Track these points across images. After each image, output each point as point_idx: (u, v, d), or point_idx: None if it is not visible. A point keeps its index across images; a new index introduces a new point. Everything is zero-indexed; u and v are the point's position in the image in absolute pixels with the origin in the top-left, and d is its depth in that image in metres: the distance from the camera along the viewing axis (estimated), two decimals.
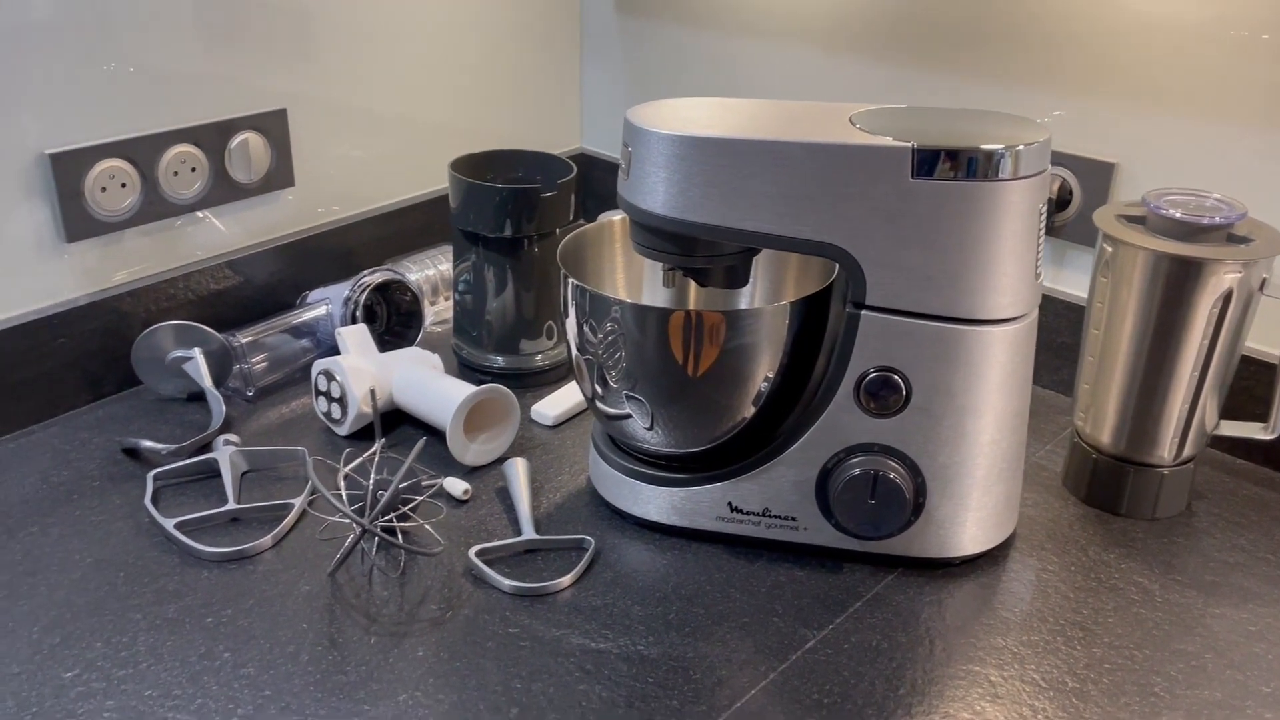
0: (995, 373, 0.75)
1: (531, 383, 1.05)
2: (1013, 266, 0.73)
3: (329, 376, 0.94)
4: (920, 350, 0.75)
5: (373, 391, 0.93)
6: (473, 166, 1.05)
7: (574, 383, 1.04)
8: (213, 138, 1.03)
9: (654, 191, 0.75)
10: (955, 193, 0.71)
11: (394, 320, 1.11)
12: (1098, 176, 0.99)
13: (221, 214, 1.08)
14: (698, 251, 0.77)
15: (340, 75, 1.14)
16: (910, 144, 0.70)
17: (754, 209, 0.73)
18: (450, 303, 1.19)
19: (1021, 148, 0.70)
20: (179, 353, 0.98)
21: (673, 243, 0.77)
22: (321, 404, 0.96)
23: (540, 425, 0.99)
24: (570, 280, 0.80)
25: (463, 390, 0.91)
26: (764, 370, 0.77)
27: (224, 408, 0.96)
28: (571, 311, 0.81)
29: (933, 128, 0.73)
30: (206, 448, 0.93)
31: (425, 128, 1.24)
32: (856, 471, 0.76)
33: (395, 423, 0.98)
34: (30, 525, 0.83)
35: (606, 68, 1.39)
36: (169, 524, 0.82)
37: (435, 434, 0.96)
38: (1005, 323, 0.74)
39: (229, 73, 1.04)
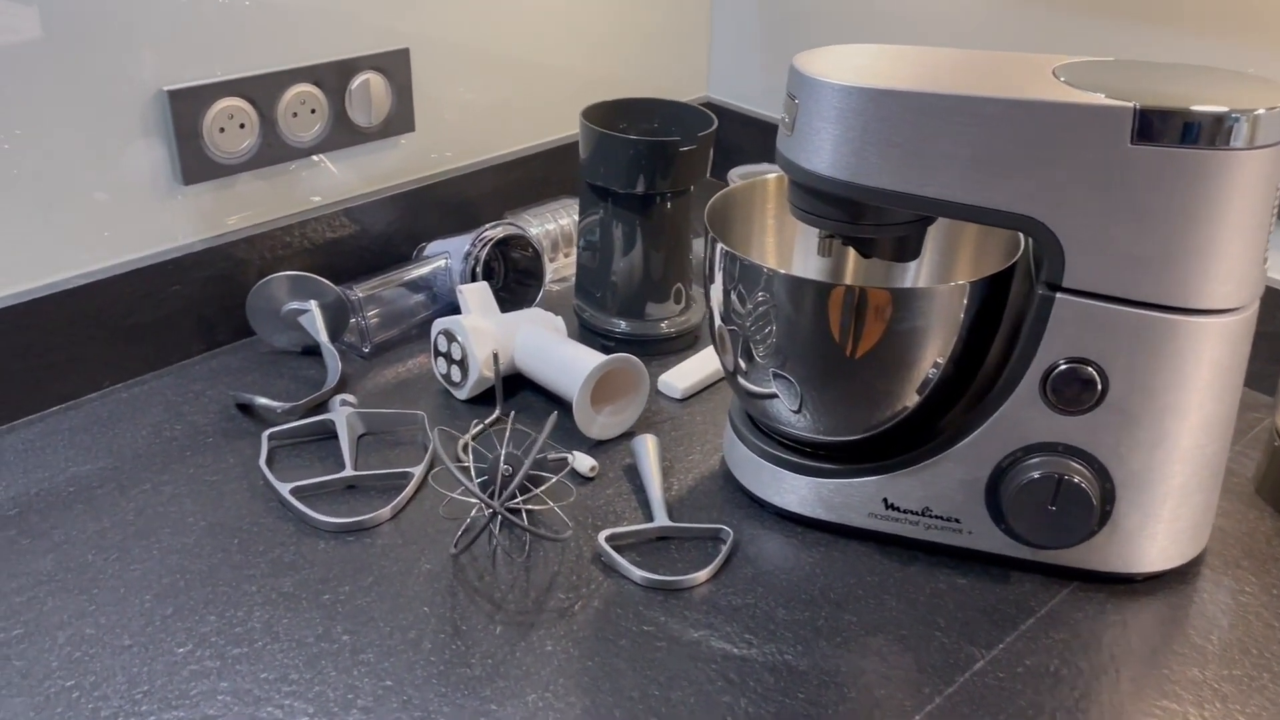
0: (1206, 370, 0.66)
1: (656, 350, 0.98)
2: (1238, 250, 0.63)
3: (450, 337, 0.89)
4: (1121, 341, 0.65)
5: (495, 356, 0.88)
6: (604, 116, 0.98)
7: (702, 353, 0.97)
8: (334, 77, 0.98)
9: (822, 150, 0.66)
10: (1180, 162, 0.61)
11: (512, 277, 1.05)
12: None
13: (339, 159, 1.03)
14: (866, 219, 0.69)
15: (464, 13, 1.07)
16: (1132, 104, 0.60)
17: (940, 173, 0.65)
18: (571, 260, 1.12)
19: (1261, 112, 0.60)
20: (294, 305, 0.94)
21: (839, 208, 0.69)
22: (441, 365, 0.91)
23: (668, 398, 0.92)
24: (719, 245, 0.73)
25: (591, 359, 0.85)
26: (933, 355, 0.69)
27: (339, 364, 0.91)
28: (718, 278, 0.74)
29: (1152, 86, 0.63)
30: (322, 407, 0.89)
31: (547, 72, 1.17)
32: (1037, 475, 0.68)
33: (516, 387, 0.92)
34: (143, 482, 0.80)
35: (737, 12, 1.30)
36: (285, 489, 0.78)
37: (557, 401, 0.90)
38: (1223, 314, 0.65)
39: (351, 8, 0.98)
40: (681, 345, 1.00)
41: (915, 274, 0.85)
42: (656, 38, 1.27)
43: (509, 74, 1.13)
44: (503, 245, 1.02)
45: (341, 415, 0.84)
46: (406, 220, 1.08)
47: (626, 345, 0.98)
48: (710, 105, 1.35)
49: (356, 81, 0.99)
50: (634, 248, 0.94)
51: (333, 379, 0.90)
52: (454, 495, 0.76)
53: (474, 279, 0.99)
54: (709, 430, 0.88)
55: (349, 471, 0.80)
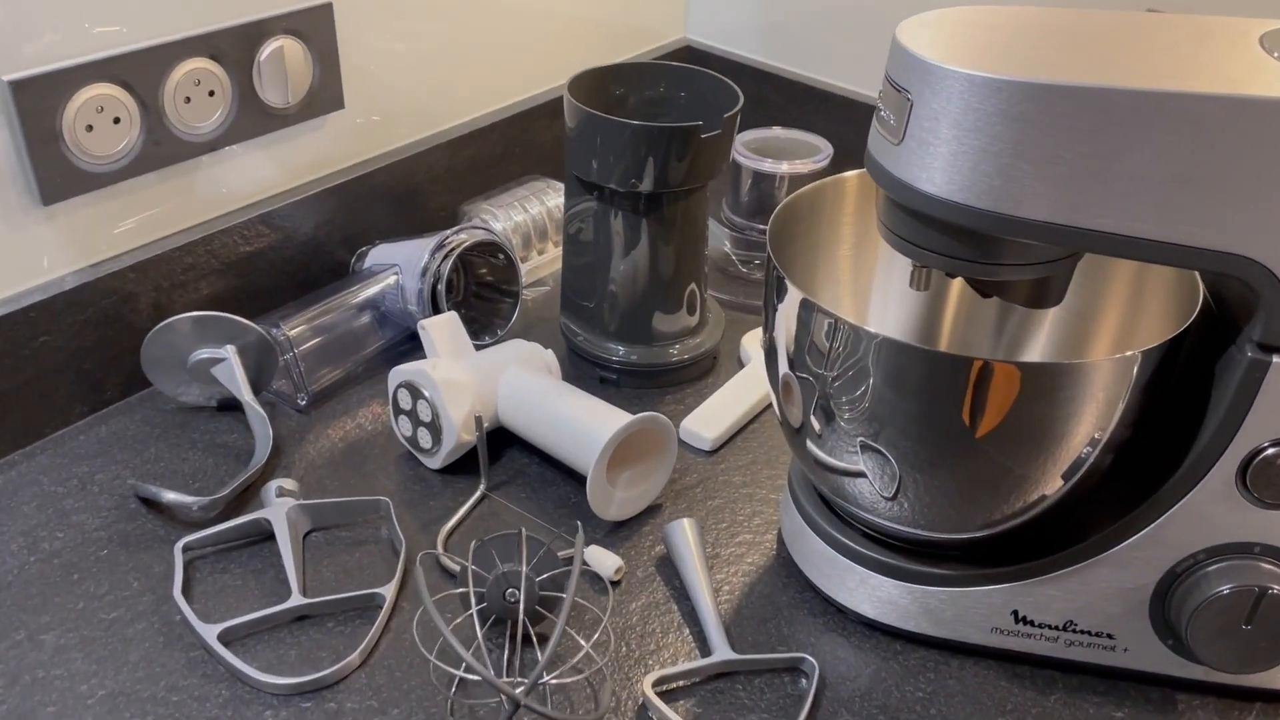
0: None
1: (669, 381, 0.80)
2: None
3: (414, 392, 0.69)
4: None
5: (479, 420, 0.68)
6: (594, 87, 0.77)
7: (728, 385, 0.78)
8: (235, 47, 0.75)
9: (951, 168, 0.47)
10: None
11: (476, 290, 0.85)
12: None
13: (250, 151, 0.80)
14: (1002, 257, 0.51)
15: None
16: None
17: (1124, 200, 0.46)
18: (547, 257, 0.92)
19: None
20: (204, 353, 0.73)
21: (962, 242, 0.51)
22: (404, 426, 0.71)
23: (694, 449, 0.74)
24: (788, 286, 0.54)
25: (603, 423, 0.65)
26: (1086, 435, 0.52)
27: (269, 429, 0.71)
28: (786, 323, 0.56)
29: None
30: (252, 493, 0.68)
31: (504, 19, 0.95)
32: (1227, 589, 0.52)
33: (501, 444, 0.73)
34: (14, 630, 0.60)
35: None
36: (211, 633, 0.58)
37: (558, 465, 0.71)
38: None
39: None
40: (697, 372, 0.81)
41: (1044, 315, 0.67)
42: None
43: (457, 26, 0.91)
44: (466, 251, 0.81)
45: (280, 512, 0.64)
46: (342, 220, 0.86)
47: (630, 376, 0.79)
48: (690, 50, 1.14)
49: (266, 50, 0.76)
50: (636, 249, 0.74)
51: (262, 453, 0.70)
52: (458, 674, 0.57)
53: (434, 302, 0.78)
54: (754, 494, 0.70)
55: (296, 599, 0.60)
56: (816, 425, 0.57)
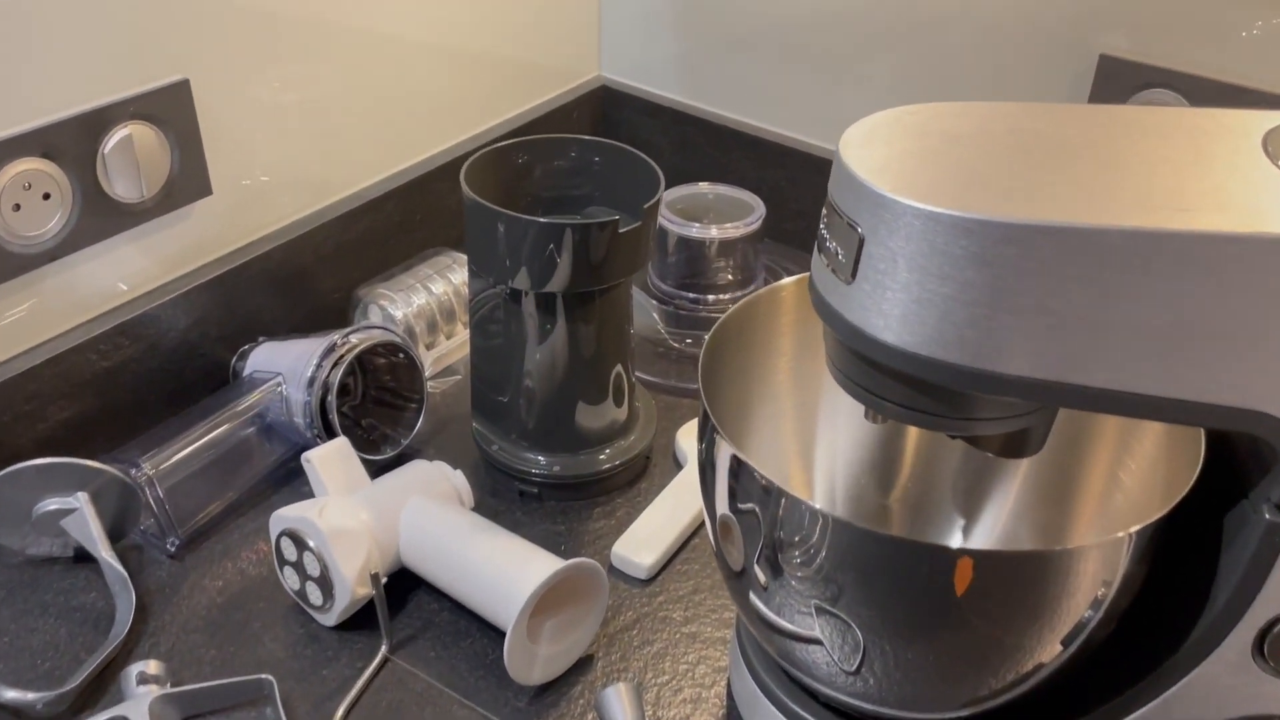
0: None
1: (595, 491, 0.71)
2: None
3: (298, 543, 0.59)
4: None
5: (376, 577, 0.59)
6: (493, 167, 0.67)
7: (661, 498, 0.70)
8: (74, 140, 0.64)
9: (913, 318, 0.40)
10: None
11: (374, 394, 0.75)
12: None
13: (104, 253, 0.69)
14: (976, 411, 0.43)
15: (267, 7, 0.74)
16: None
17: (1119, 353, 0.39)
18: (455, 341, 0.83)
19: None
20: (52, 504, 0.62)
21: (931, 396, 0.43)
22: (290, 578, 0.61)
23: (627, 578, 0.66)
24: (724, 446, 0.46)
25: (520, 571, 0.56)
26: (1079, 609, 0.45)
27: (132, 592, 0.61)
28: (722, 473, 0.48)
29: None
30: (109, 678, 0.58)
31: (396, 70, 0.85)
32: None
33: (406, 588, 0.64)
34: None
35: None
36: None
37: (471, 615, 0.62)
38: None
39: (87, 28, 0.64)
40: (630, 476, 0.73)
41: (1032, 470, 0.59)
42: (528, 7, 0.96)
43: (342, 85, 0.81)
44: (362, 353, 0.72)
45: (142, 706, 0.54)
46: (219, 317, 0.76)
47: (554, 489, 0.70)
48: (605, 89, 1.06)
49: (110, 141, 0.66)
50: (553, 334, 0.66)
51: (122, 623, 0.59)
52: None
53: (324, 416, 0.68)
54: (698, 634, 0.61)
55: None
56: (761, 576, 0.49)
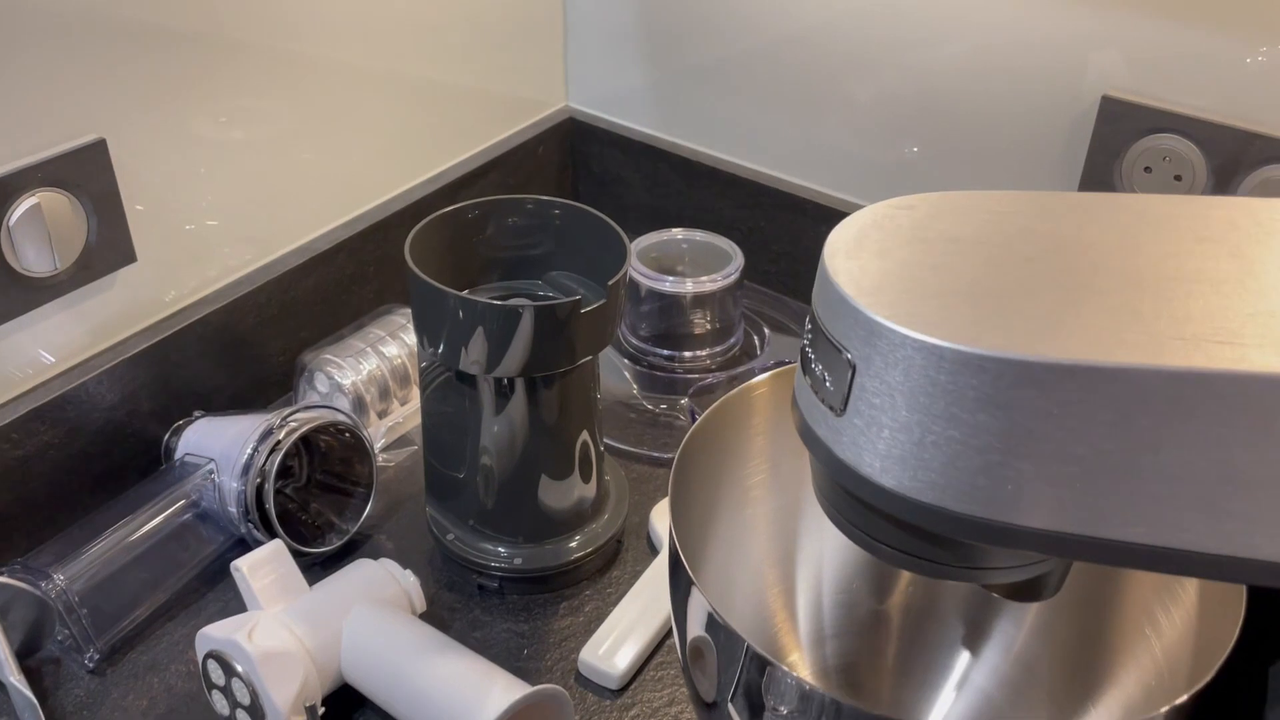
0: None
1: (562, 583, 0.65)
2: None
3: (225, 667, 0.53)
4: None
5: (313, 710, 0.53)
6: (442, 232, 0.61)
7: (633, 592, 0.64)
8: None
9: (915, 461, 0.34)
10: None
11: (319, 478, 0.69)
12: None
13: (14, 332, 0.63)
14: (989, 561, 0.38)
15: (193, 53, 0.68)
16: None
17: (1156, 505, 0.33)
18: (410, 408, 0.77)
19: None
20: None
21: (930, 541, 0.37)
22: (220, 703, 0.55)
23: (596, 688, 0.60)
24: (708, 605, 0.40)
25: (476, 700, 0.50)
26: None
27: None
28: (698, 617, 0.42)
29: None
30: None
31: (343, 106, 0.79)
32: None
33: (350, 705, 0.57)
34: None
35: None
36: None
37: None
38: None
39: None
40: (600, 563, 0.67)
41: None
42: (489, 33, 0.89)
43: (286, 127, 0.74)
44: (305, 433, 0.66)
45: None
46: (150, 392, 0.69)
47: (517, 583, 0.64)
48: (573, 121, 0.99)
49: (16, 211, 0.59)
50: (509, 418, 0.60)
51: None
52: None
53: (260, 507, 0.62)
54: None
55: None
56: (735, 715, 0.44)
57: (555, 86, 0.99)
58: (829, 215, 0.87)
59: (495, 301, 0.55)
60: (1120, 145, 0.70)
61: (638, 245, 0.81)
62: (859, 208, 0.87)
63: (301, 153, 0.76)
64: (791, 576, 0.54)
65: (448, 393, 0.61)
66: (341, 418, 0.65)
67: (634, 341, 0.81)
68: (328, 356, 0.74)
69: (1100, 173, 0.72)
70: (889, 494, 0.35)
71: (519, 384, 0.58)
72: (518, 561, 0.63)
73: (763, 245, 0.92)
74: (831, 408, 0.35)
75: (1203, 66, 0.66)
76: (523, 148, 0.96)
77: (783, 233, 0.91)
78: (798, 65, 0.84)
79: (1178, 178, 0.68)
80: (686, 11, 0.88)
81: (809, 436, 0.37)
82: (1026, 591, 0.40)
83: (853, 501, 0.37)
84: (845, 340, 0.34)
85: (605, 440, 0.75)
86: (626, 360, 0.80)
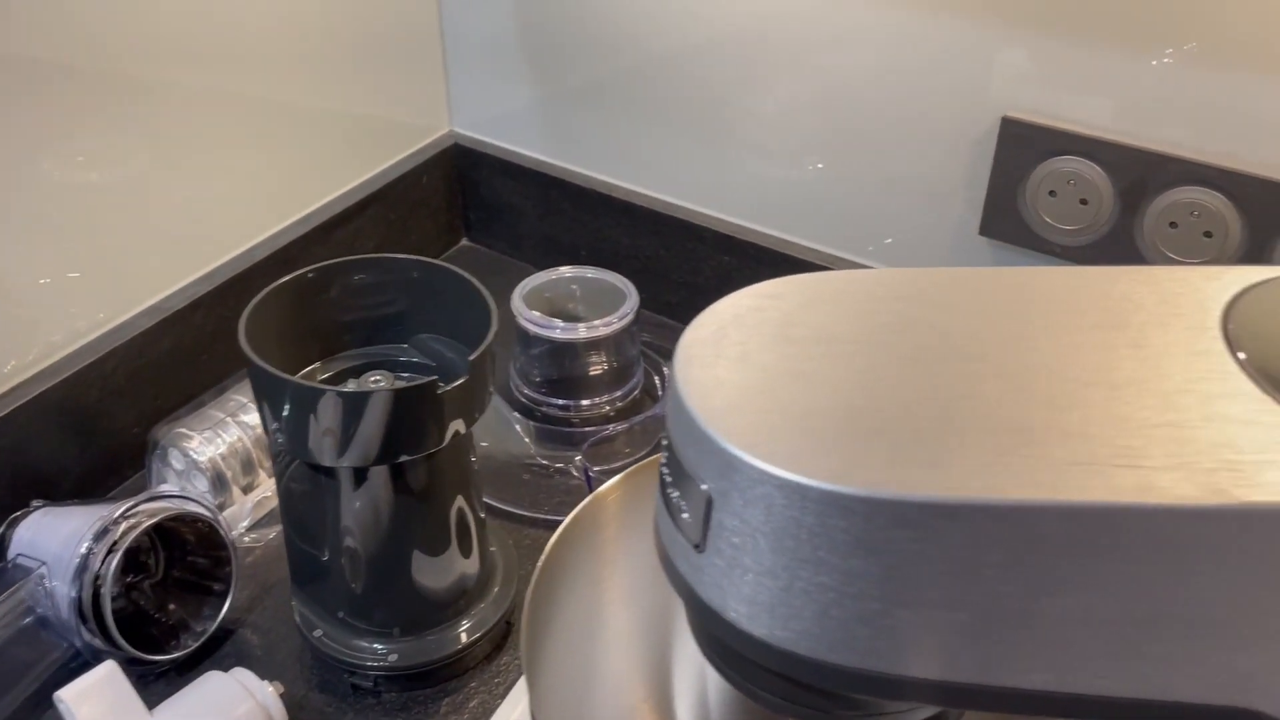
0: None
1: (445, 675, 0.60)
2: None
3: None
4: None
5: None
6: (286, 301, 0.55)
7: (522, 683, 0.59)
8: None
9: (783, 608, 0.29)
10: None
11: (175, 572, 0.62)
12: None
13: None
14: (883, 707, 0.33)
15: (31, 99, 0.61)
16: None
17: (1057, 651, 0.29)
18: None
19: None
20: None
21: (816, 691, 0.33)
22: None
23: None
24: None
25: None
26: None
27: None
28: None
29: None
30: None
31: (200, 133, 0.72)
32: None
33: None
34: None
35: (479, 8, 0.87)
36: None
37: None
38: None
39: None
40: (488, 648, 0.61)
41: None
42: (362, 55, 0.83)
43: (136, 163, 0.67)
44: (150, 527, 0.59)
45: None
46: None
47: (398, 681, 0.58)
48: (458, 147, 0.94)
49: None
50: (371, 493, 0.54)
51: None
52: None
53: (98, 614, 0.56)
54: None
55: None
56: None
57: (438, 110, 0.93)
58: (730, 242, 0.82)
59: (326, 387, 0.49)
60: (1023, 168, 0.66)
61: (524, 288, 0.75)
62: (761, 234, 0.84)
63: (154, 198, 0.69)
64: (668, 689, 0.49)
65: (301, 470, 0.55)
66: (193, 508, 0.59)
67: (527, 391, 0.76)
68: (182, 430, 0.67)
69: (1004, 197, 0.68)
70: (758, 644, 0.30)
71: (367, 489, 0.53)
72: (393, 658, 0.57)
73: (663, 274, 0.87)
74: (691, 542, 0.31)
75: (1106, 86, 0.63)
76: (405, 178, 0.90)
77: (683, 261, 0.86)
78: (691, 83, 0.79)
79: (1083, 201, 0.65)
80: (571, 29, 0.83)
81: (670, 569, 0.32)
82: None
83: (730, 652, 0.33)
84: (699, 470, 0.29)
85: (496, 504, 0.69)
86: (518, 414, 0.75)
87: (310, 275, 0.54)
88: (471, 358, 0.50)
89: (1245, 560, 0.27)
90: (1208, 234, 0.62)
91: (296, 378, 0.53)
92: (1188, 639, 0.28)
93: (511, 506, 0.69)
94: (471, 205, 0.97)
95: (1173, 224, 0.63)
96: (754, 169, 0.79)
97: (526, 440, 0.74)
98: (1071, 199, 0.65)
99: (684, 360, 0.31)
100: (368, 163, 0.87)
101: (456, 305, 0.55)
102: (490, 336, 0.51)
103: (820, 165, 0.76)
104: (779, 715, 0.34)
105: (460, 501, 0.57)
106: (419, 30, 0.88)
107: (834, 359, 0.30)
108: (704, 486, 0.29)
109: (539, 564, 0.42)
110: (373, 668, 0.57)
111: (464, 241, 0.98)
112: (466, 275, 0.55)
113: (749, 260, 0.82)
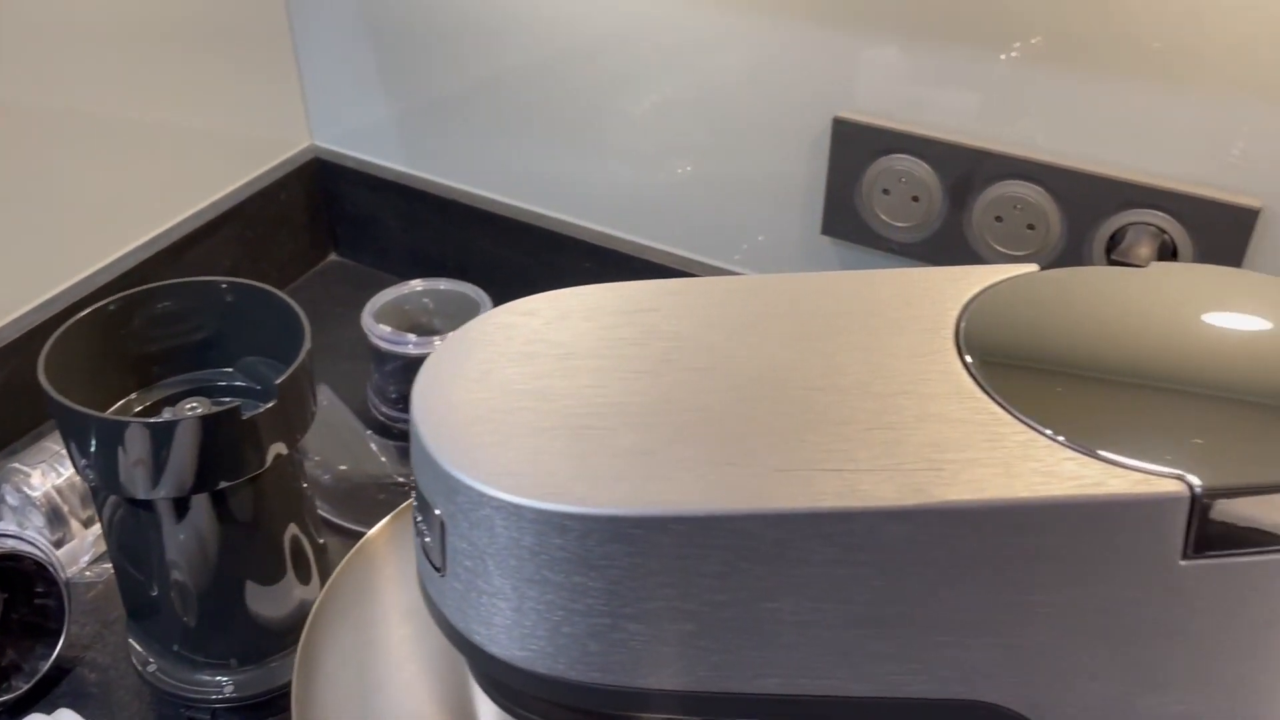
0: None
1: (283, 706, 0.58)
2: None
3: None
4: None
5: None
6: (90, 336, 0.53)
7: None
8: None
9: (518, 629, 0.29)
10: (1269, 577, 0.29)
11: (15, 614, 0.60)
12: (1224, 228, 0.59)
13: None
14: (644, 711, 0.33)
15: None
16: (1181, 479, 0.27)
17: (788, 653, 0.29)
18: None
19: None
20: None
21: (575, 709, 0.33)
22: None
23: None
24: None
25: None
26: None
27: None
28: None
29: (1185, 384, 0.31)
30: None
31: (36, 154, 0.70)
32: None
33: None
34: None
35: (326, 21, 0.86)
36: None
37: None
38: None
39: None
40: None
41: None
42: (212, 67, 0.81)
43: None
44: None
45: None
46: None
47: (237, 713, 0.57)
48: (319, 161, 0.92)
49: None
50: (194, 524, 0.53)
51: None
52: None
53: None
54: None
55: None
56: None
57: (297, 124, 0.92)
58: (592, 250, 0.82)
59: (126, 419, 0.47)
60: (857, 168, 0.67)
61: (375, 304, 0.75)
62: (622, 240, 0.84)
63: None
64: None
65: (120, 504, 0.53)
66: (21, 546, 0.57)
67: (384, 410, 0.75)
68: (15, 465, 0.65)
69: (842, 197, 0.69)
70: (501, 664, 0.30)
71: (184, 519, 0.52)
72: (229, 690, 0.56)
73: (529, 283, 0.87)
74: (434, 566, 0.30)
75: (932, 86, 0.64)
76: (264, 194, 0.88)
77: (546, 270, 0.86)
78: (549, 91, 0.78)
79: (915, 199, 0.66)
80: (427, 40, 0.82)
81: (426, 597, 0.32)
82: None
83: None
84: (432, 494, 0.29)
85: (350, 525, 0.68)
86: (372, 432, 0.74)
87: (111, 308, 0.53)
88: (279, 381, 0.49)
89: (953, 558, 0.27)
90: (1031, 226, 0.63)
91: (105, 412, 0.52)
92: (910, 637, 0.28)
93: (364, 528, 0.68)
94: (337, 220, 0.95)
95: (998, 218, 0.64)
96: (614, 176, 0.79)
97: (384, 460, 0.73)
98: (904, 196, 0.66)
99: (423, 383, 0.31)
100: (222, 179, 0.86)
101: (275, 325, 0.54)
102: (302, 356, 0.51)
103: (677, 171, 0.76)
104: None
105: (294, 529, 0.56)
106: (269, 41, 0.86)
107: (570, 374, 0.30)
108: (437, 511, 0.29)
109: (311, 615, 0.41)
110: (210, 701, 0.56)
111: (332, 257, 0.97)
112: (280, 294, 0.54)
113: (610, 266, 0.82)
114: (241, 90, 0.85)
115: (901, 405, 0.29)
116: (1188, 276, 0.34)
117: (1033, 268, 0.35)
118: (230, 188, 0.87)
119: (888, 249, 0.69)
